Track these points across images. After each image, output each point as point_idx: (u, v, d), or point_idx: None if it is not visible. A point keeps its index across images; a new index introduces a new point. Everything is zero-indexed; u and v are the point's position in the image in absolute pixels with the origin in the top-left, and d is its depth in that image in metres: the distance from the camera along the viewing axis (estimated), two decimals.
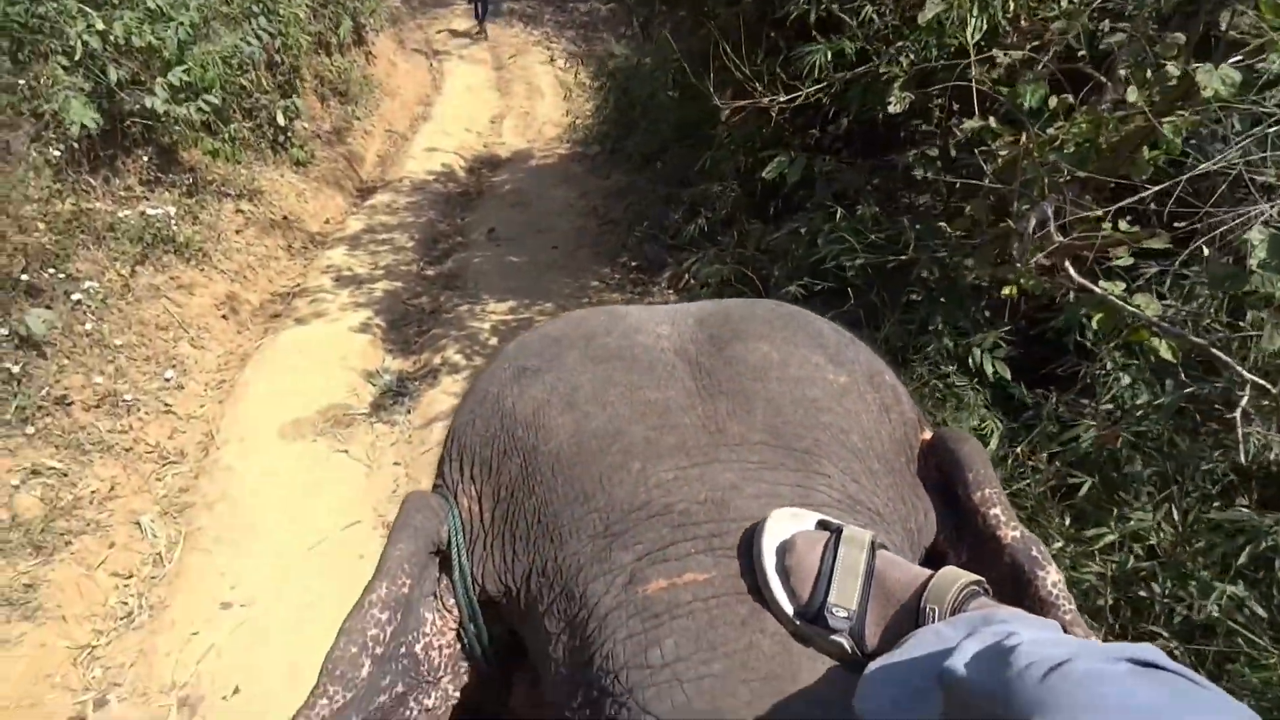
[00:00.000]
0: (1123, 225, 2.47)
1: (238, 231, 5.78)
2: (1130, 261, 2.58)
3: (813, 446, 0.98)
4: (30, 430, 3.54)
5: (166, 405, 4.08)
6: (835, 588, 0.84)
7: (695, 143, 4.86)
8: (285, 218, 6.32)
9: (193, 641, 2.94)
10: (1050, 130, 2.41)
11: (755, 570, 0.88)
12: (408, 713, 0.97)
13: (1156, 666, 0.58)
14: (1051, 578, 0.94)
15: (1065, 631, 0.83)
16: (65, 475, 3.45)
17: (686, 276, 4.51)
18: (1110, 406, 2.71)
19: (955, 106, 3.08)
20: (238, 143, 6.33)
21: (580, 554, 0.92)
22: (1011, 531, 0.98)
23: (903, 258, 2.96)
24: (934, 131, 3.25)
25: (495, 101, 10.61)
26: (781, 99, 2.86)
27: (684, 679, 0.83)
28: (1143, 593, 2.37)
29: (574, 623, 0.91)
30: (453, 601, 1.01)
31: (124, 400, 3.92)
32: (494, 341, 4.63)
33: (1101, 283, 2.48)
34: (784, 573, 0.86)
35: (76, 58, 4.57)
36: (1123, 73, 2.52)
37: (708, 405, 1.00)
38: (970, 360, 3.31)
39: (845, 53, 2.83)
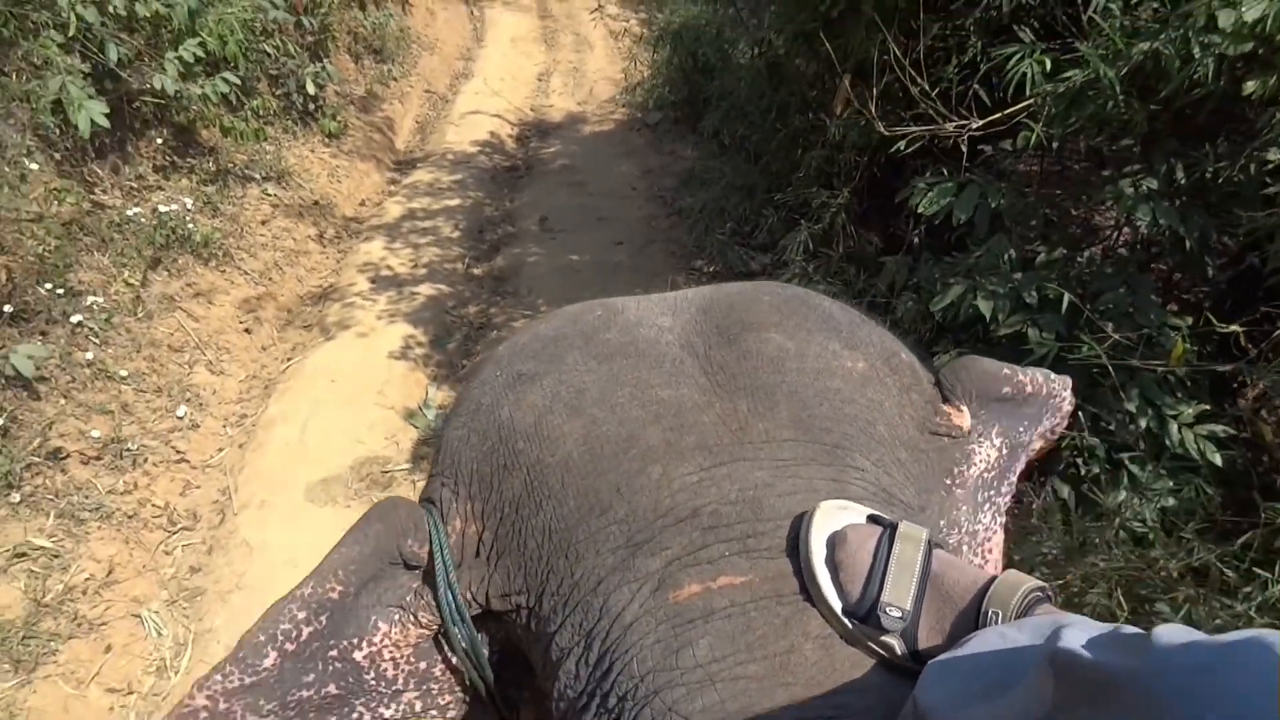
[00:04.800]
0: None
1: (263, 222, 5.15)
2: None
3: (842, 440, 0.93)
4: (15, 497, 2.98)
5: (179, 453, 3.50)
6: (889, 585, 0.79)
7: (792, 134, 4.09)
8: (316, 202, 5.67)
9: None
10: None
11: (802, 564, 0.84)
12: (354, 713, 0.96)
13: None
14: (1068, 402, 1.08)
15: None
16: (56, 556, 2.90)
17: None
18: None
19: None
20: (263, 118, 5.68)
21: (600, 567, 0.86)
22: (1030, 375, 1.06)
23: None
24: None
25: (541, 55, 9.77)
26: (976, 125, 2.11)
27: (718, 680, 0.78)
28: None
29: (592, 635, 0.85)
30: (428, 617, 0.96)
31: (128, 450, 3.35)
32: None
33: None
34: (833, 567, 0.82)
35: (71, 33, 3.90)
36: None
37: (725, 402, 0.95)
38: (1167, 439, 2.59)
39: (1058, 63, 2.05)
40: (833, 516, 0.85)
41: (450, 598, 0.95)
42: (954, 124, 2.21)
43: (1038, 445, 1.22)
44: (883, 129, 2.42)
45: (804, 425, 0.93)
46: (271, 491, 3.29)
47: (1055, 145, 2.04)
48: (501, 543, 0.94)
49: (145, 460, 3.38)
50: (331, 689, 0.94)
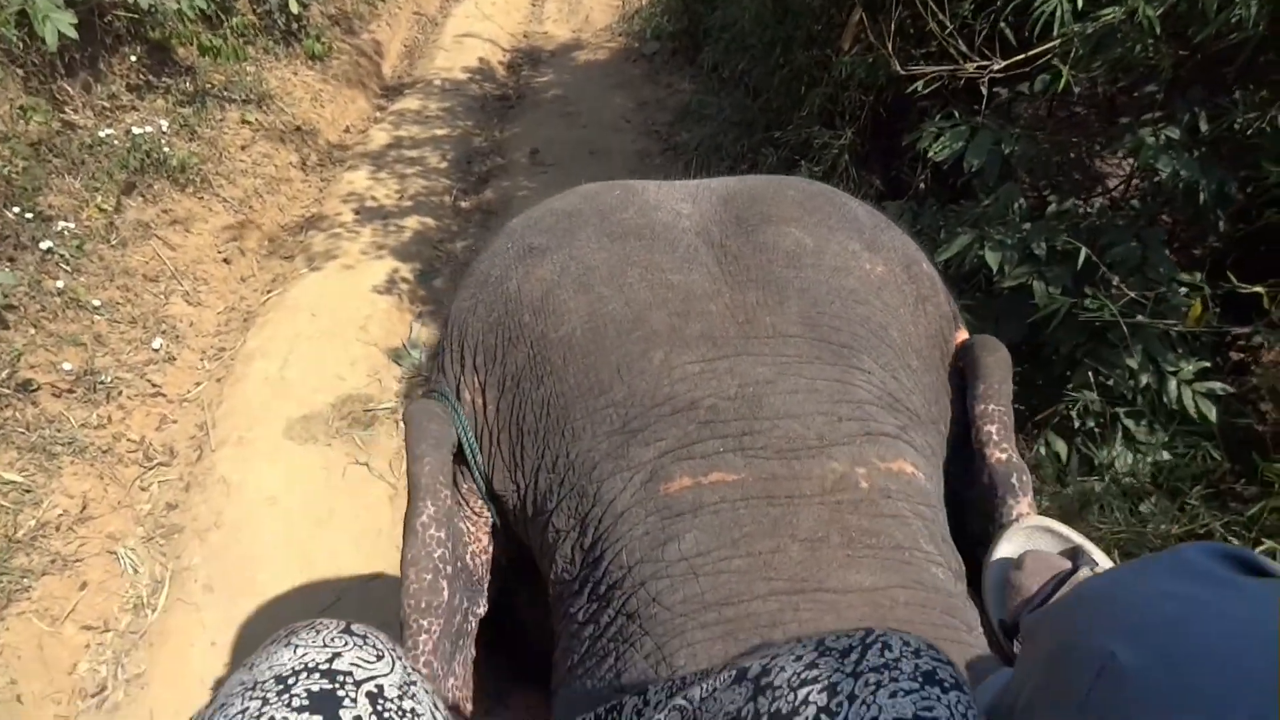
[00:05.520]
0: None
1: (243, 147, 4.95)
2: None
3: (851, 340, 0.91)
4: None
5: (154, 386, 3.40)
6: None
7: (796, 69, 3.92)
8: (299, 128, 5.46)
9: None
10: None
11: (983, 573, 0.90)
12: (468, 625, 0.95)
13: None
14: (1019, 509, 0.92)
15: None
16: (28, 491, 2.82)
17: None
18: None
19: None
20: (243, 37, 5.43)
21: (595, 450, 0.87)
22: (999, 453, 0.94)
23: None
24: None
25: None
26: (998, 66, 1.97)
27: (700, 572, 0.78)
28: None
29: (586, 520, 0.86)
30: (481, 503, 0.97)
31: (102, 383, 3.25)
32: None
33: None
34: (1001, 586, 0.87)
35: None
36: None
37: (735, 293, 0.93)
38: (1165, 395, 2.54)
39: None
40: (1018, 539, 0.87)
41: (483, 477, 0.97)
42: (975, 64, 2.07)
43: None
44: (899, 68, 2.28)
45: (812, 322, 0.91)
46: (250, 428, 3.20)
47: (1077, 90, 1.92)
48: (503, 417, 0.94)
49: (120, 394, 3.28)
50: (464, 603, 0.94)
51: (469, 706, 0.94)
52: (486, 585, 0.99)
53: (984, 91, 2.20)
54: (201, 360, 3.66)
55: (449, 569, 0.88)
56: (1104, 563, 0.91)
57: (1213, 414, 2.47)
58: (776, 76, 4.05)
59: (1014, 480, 0.93)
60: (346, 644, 0.72)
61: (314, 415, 3.29)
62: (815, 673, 0.63)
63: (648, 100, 6.17)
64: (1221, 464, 2.19)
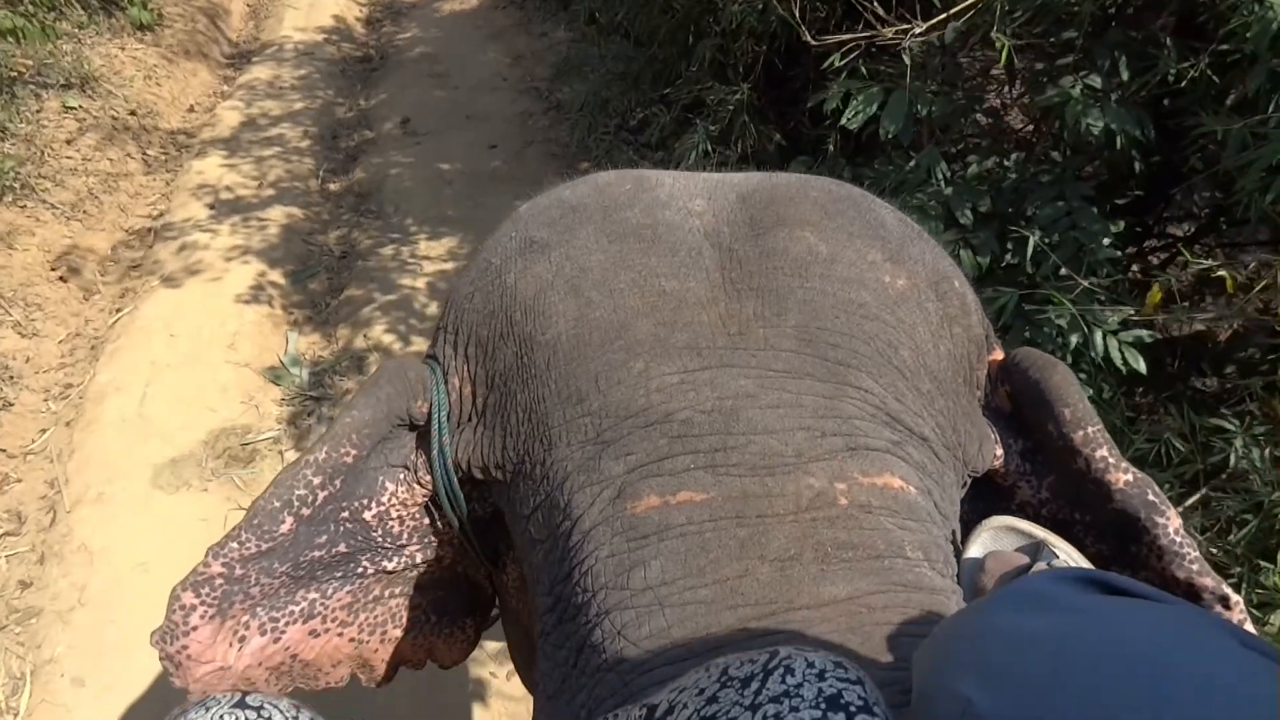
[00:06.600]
0: None
1: (69, 142, 4.37)
2: None
3: (849, 358, 0.87)
4: None
5: None
6: None
7: (681, 18, 3.62)
8: (134, 112, 4.86)
9: None
10: None
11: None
12: (359, 569, 0.99)
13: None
14: (1173, 524, 0.88)
15: (1193, 583, 0.85)
16: None
17: None
18: None
19: None
20: (52, 10, 4.76)
21: (568, 460, 0.86)
22: (1124, 475, 0.90)
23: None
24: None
25: None
26: (919, 30, 1.74)
27: (666, 604, 0.77)
28: None
29: (557, 533, 0.86)
30: (428, 477, 0.98)
31: None
32: (432, 309, 3.54)
33: None
34: (971, 589, 0.85)
35: None
36: None
37: (732, 302, 0.90)
38: (1092, 349, 2.46)
39: None
40: (997, 538, 0.86)
41: (442, 461, 0.96)
42: (894, 29, 1.85)
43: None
44: (810, 38, 2.04)
45: (809, 337, 0.87)
46: (110, 480, 2.81)
47: (1004, 47, 1.74)
48: (490, 412, 0.93)
49: None
50: (341, 548, 0.96)
51: (314, 640, 0.98)
52: (408, 548, 1.02)
53: (907, 60, 1.99)
54: (45, 402, 3.20)
55: (307, 511, 0.89)
56: (1066, 554, 0.89)
57: (1141, 364, 2.40)
58: (662, 26, 3.75)
59: (1151, 497, 0.89)
60: (236, 719, 0.71)
61: (184, 457, 2.91)
62: (714, 708, 0.60)
63: (523, 53, 5.76)
64: (1117, 399, 2.13)
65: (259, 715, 0.72)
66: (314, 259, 4.00)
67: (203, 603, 0.86)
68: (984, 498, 1.01)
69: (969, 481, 0.98)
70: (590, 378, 0.86)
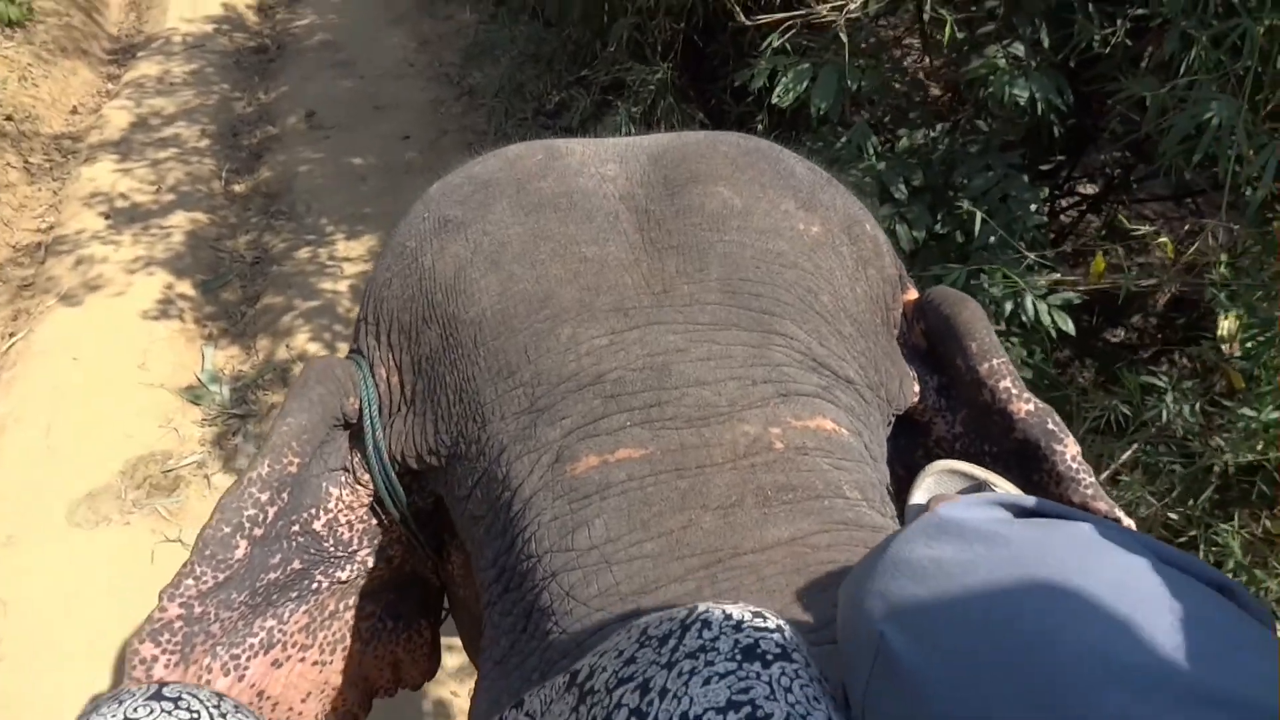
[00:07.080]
0: None
1: None
2: None
3: (772, 306, 0.89)
4: None
5: None
6: None
7: None
8: (10, 117, 4.53)
9: None
10: None
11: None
12: (313, 584, 0.96)
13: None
14: (1070, 451, 0.91)
15: (1087, 507, 0.87)
16: None
17: None
18: None
19: None
20: None
21: (504, 433, 0.86)
22: (1025, 405, 0.93)
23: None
24: None
25: None
26: (854, 5, 1.69)
27: (613, 561, 0.78)
28: None
29: (497, 505, 0.86)
30: (367, 476, 0.97)
31: None
32: (355, 313, 3.40)
33: None
34: None
35: None
36: None
37: (654, 261, 0.91)
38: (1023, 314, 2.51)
39: None
40: (940, 482, 0.85)
41: (377, 456, 0.95)
42: (829, 5, 1.81)
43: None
44: (744, 18, 1.98)
45: (732, 289, 0.89)
46: (19, 521, 2.62)
47: (948, 24, 1.73)
48: (420, 398, 0.93)
49: None
50: (296, 564, 0.93)
51: (277, 671, 0.94)
52: (359, 553, 0.99)
53: (844, 38, 1.95)
54: None
55: (259, 531, 0.85)
56: (1008, 492, 0.89)
57: (1069, 325, 2.46)
58: (575, 6, 3.64)
59: (1051, 425, 0.91)
60: (152, 711, 0.67)
61: (101, 490, 2.73)
62: (632, 669, 0.61)
63: (429, 37, 5.55)
64: (1049, 359, 2.19)
65: (176, 706, 0.68)
66: (224, 267, 3.79)
67: (164, 652, 0.81)
68: (903, 434, 1.04)
69: (893, 420, 1.00)
70: (519, 349, 0.87)
